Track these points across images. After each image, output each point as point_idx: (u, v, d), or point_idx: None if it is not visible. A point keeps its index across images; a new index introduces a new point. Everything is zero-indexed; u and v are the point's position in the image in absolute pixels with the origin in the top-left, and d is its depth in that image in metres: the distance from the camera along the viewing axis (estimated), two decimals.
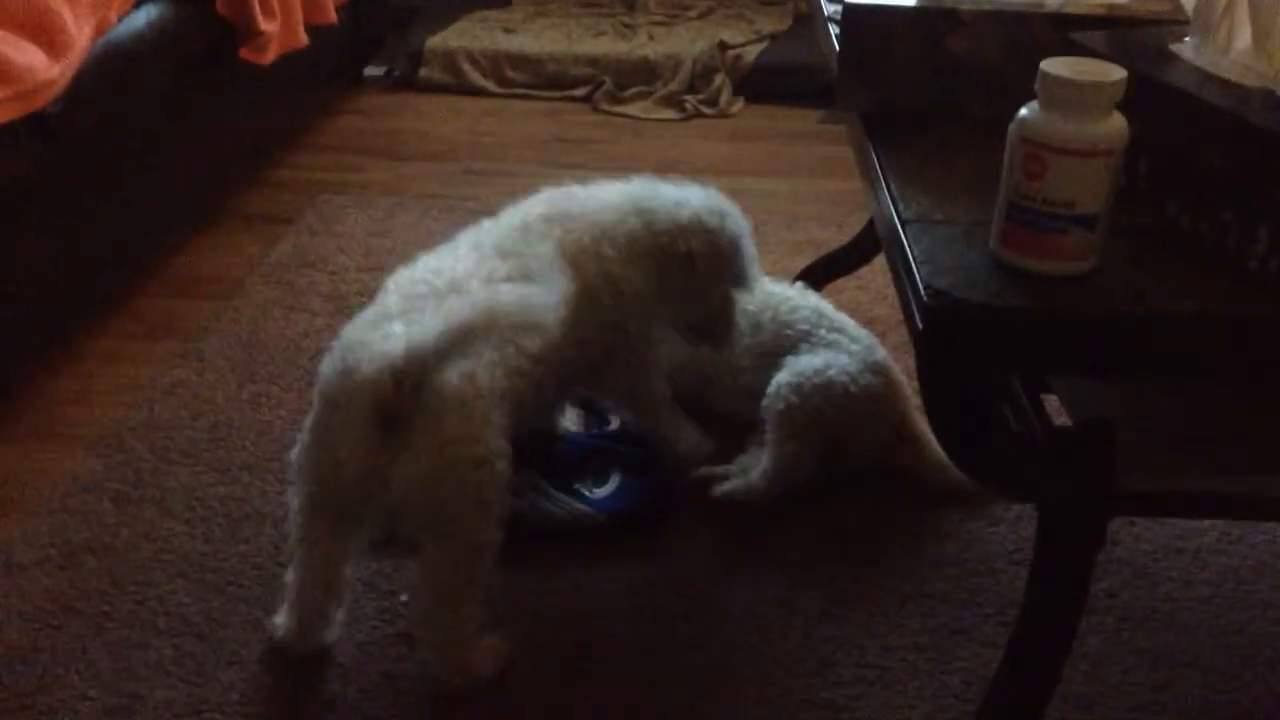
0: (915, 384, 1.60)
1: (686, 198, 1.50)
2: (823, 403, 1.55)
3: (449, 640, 1.29)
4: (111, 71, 1.83)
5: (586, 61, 3.10)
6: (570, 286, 1.38)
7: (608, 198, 1.49)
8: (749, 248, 1.54)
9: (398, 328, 1.23)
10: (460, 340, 1.20)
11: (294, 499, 1.30)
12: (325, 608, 1.33)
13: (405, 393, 1.17)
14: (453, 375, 1.21)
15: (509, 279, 1.33)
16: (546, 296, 1.29)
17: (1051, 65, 0.87)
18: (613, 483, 1.57)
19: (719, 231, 1.48)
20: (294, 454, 1.29)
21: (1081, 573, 1.04)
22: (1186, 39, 1.04)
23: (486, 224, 1.44)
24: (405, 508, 1.24)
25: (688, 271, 1.47)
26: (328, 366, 1.25)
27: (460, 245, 1.40)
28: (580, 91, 3.06)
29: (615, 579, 1.45)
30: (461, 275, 1.32)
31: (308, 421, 1.26)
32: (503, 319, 1.22)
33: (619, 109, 3.00)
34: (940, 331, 0.88)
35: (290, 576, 1.33)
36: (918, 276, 0.90)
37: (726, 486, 1.55)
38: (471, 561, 1.26)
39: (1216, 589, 1.44)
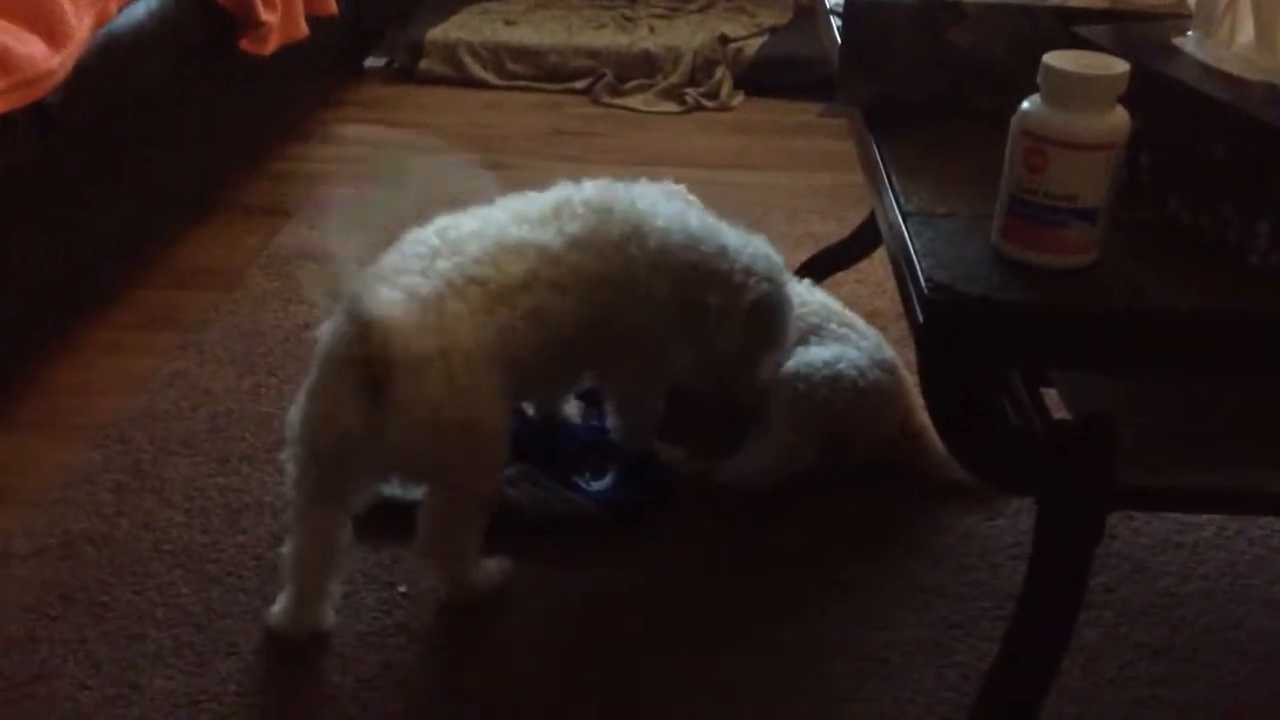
0: (916, 378, 1.60)
1: (732, 249, 1.48)
2: (831, 394, 1.54)
3: (451, 556, 1.36)
4: (111, 62, 1.82)
5: (587, 54, 3.09)
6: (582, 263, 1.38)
7: (663, 208, 1.48)
8: (783, 312, 1.52)
9: (383, 292, 1.24)
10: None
11: (289, 462, 1.32)
12: (321, 578, 1.33)
13: (380, 356, 1.19)
14: (429, 337, 1.23)
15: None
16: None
17: (1054, 58, 0.87)
18: (611, 476, 1.57)
19: (742, 291, 1.46)
20: (290, 414, 1.31)
21: (1080, 567, 1.04)
22: (1189, 33, 1.04)
23: (531, 194, 1.45)
24: (401, 466, 1.32)
25: (703, 319, 1.47)
26: (325, 327, 1.27)
27: (490, 208, 1.41)
28: (581, 84, 3.06)
29: (613, 574, 1.45)
30: (466, 235, 1.34)
31: (305, 382, 1.28)
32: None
33: (619, 101, 2.99)
34: (941, 325, 0.88)
35: (287, 548, 1.33)
36: (919, 270, 0.90)
37: (729, 471, 1.56)
38: (472, 504, 1.34)
39: (1214, 584, 1.44)
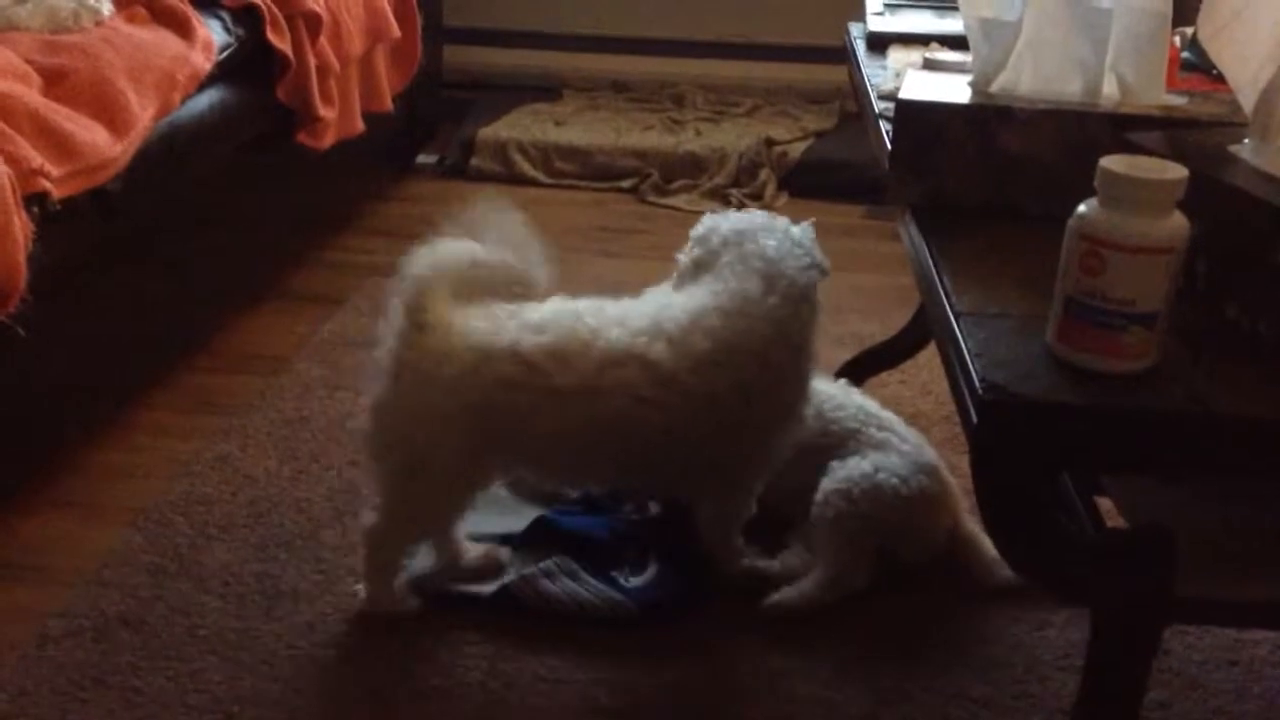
0: (964, 481, 1.58)
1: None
2: (872, 508, 1.51)
3: (369, 551, 1.49)
4: (172, 151, 1.87)
5: (634, 154, 3.14)
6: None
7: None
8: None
9: (467, 314, 1.44)
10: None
11: None
12: None
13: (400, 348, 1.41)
14: (410, 342, 1.39)
15: None
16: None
17: (1111, 162, 0.87)
18: (650, 572, 1.55)
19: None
20: None
21: (1136, 680, 1.01)
22: (1245, 140, 1.04)
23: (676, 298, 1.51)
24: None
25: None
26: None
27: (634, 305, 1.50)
28: (627, 183, 3.10)
29: (648, 674, 1.42)
30: (606, 320, 1.45)
31: None
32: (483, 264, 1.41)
33: (665, 201, 3.03)
34: (995, 426, 0.87)
35: None
36: (972, 370, 0.89)
37: (778, 596, 1.51)
38: (386, 504, 1.46)
39: (1270, 703, 1.39)
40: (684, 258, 1.55)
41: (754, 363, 1.43)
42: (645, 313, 1.45)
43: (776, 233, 1.49)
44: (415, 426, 1.40)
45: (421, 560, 1.55)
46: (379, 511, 1.47)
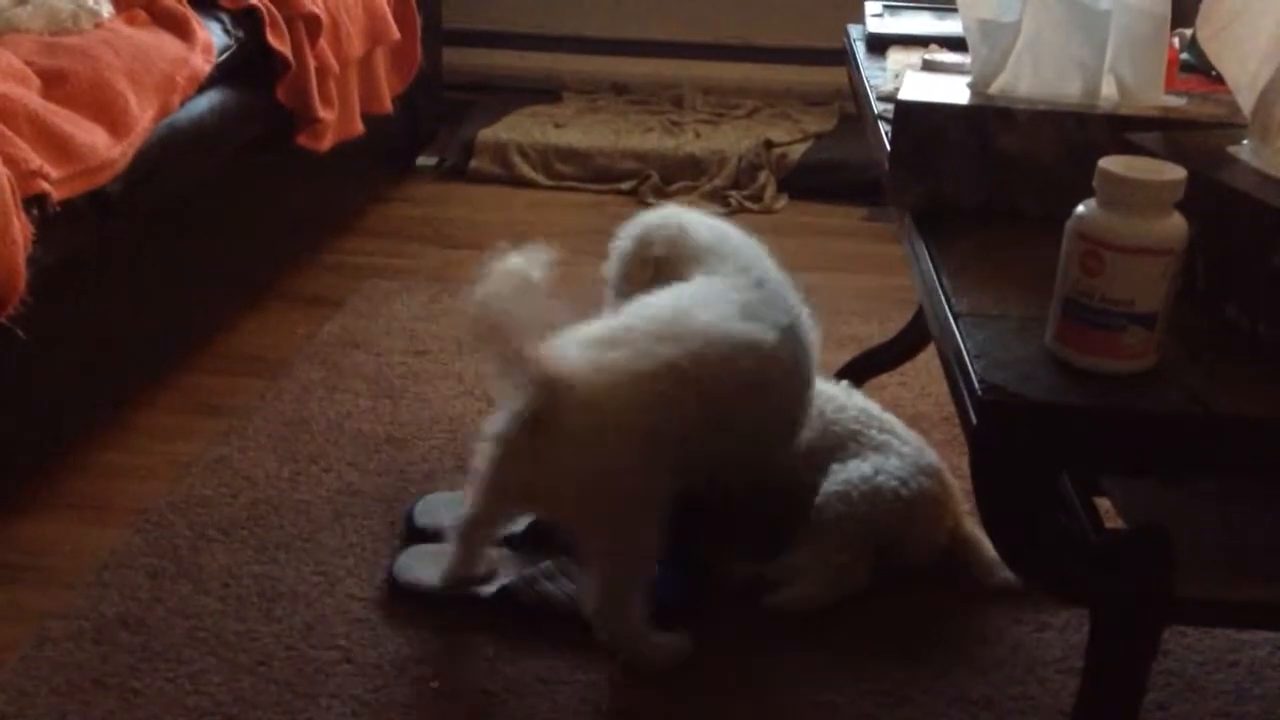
0: (964, 483, 1.58)
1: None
2: (872, 510, 1.51)
3: (605, 614, 1.41)
4: (171, 153, 1.87)
5: (634, 156, 3.14)
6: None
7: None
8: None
9: (573, 354, 1.36)
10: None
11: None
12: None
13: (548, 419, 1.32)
14: (593, 413, 1.32)
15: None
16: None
17: (1110, 163, 0.87)
18: None
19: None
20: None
21: (1135, 681, 1.01)
22: (1244, 142, 1.04)
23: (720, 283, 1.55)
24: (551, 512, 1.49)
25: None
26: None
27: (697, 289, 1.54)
28: (627, 185, 3.10)
29: (648, 674, 1.42)
30: (681, 308, 1.47)
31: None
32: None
33: (664, 203, 3.03)
34: (995, 427, 0.87)
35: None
36: (972, 371, 0.89)
37: (777, 597, 1.51)
38: (617, 562, 1.40)
39: (1271, 705, 1.39)
40: (618, 265, 1.65)
41: (798, 341, 1.50)
42: (708, 296, 1.48)
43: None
44: (605, 477, 1.35)
45: (430, 569, 1.54)
46: (595, 570, 1.41)
